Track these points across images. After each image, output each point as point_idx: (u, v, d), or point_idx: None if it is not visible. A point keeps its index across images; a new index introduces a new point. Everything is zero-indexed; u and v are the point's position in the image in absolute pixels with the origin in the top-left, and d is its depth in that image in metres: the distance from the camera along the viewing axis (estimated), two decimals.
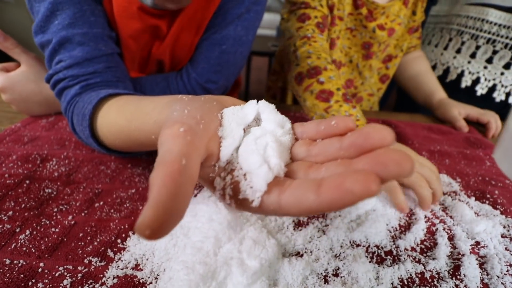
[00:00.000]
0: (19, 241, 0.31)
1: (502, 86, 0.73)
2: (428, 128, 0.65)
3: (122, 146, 0.34)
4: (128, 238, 0.32)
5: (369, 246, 0.34)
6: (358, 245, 0.34)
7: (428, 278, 0.31)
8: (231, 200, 0.18)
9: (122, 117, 0.30)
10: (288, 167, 0.18)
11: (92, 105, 0.35)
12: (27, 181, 0.40)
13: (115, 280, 0.28)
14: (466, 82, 0.77)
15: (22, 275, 0.28)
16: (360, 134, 0.16)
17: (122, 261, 0.30)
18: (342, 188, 0.13)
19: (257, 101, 0.21)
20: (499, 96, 0.74)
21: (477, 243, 0.35)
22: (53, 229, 0.33)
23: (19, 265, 0.29)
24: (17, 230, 0.33)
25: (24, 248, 0.31)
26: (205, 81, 0.50)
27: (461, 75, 0.77)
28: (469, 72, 0.76)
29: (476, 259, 0.33)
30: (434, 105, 0.72)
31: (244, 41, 0.50)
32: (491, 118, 0.64)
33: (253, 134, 0.19)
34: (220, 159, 0.18)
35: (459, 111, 0.67)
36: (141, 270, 0.29)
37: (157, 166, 0.14)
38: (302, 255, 0.32)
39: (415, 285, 0.30)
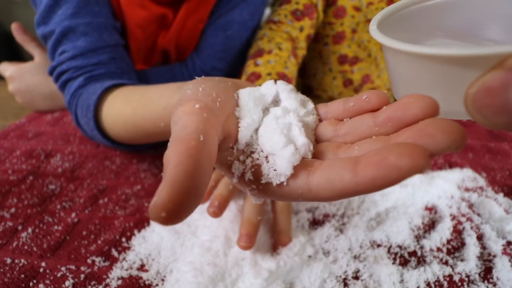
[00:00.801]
0: (21, 239, 0.30)
1: None
2: None
3: (127, 137, 0.32)
4: (133, 237, 0.31)
5: (391, 246, 0.31)
6: (379, 245, 0.31)
7: (457, 281, 0.28)
8: (251, 186, 0.16)
9: (128, 106, 0.28)
10: (314, 149, 0.16)
11: (96, 95, 0.33)
12: (31, 177, 0.38)
13: (119, 282, 0.26)
14: None
15: (23, 275, 0.27)
16: (398, 105, 0.14)
17: (126, 261, 0.28)
18: (385, 164, 0.11)
19: (275, 81, 0.19)
20: None
21: (509, 243, 0.33)
22: (56, 227, 0.32)
23: (20, 264, 0.27)
24: (19, 228, 0.31)
25: (26, 247, 0.29)
26: (210, 69, 0.48)
27: None
28: None
29: (510, 261, 0.30)
30: None
31: (249, 26, 0.47)
32: None
33: (274, 114, 0.17)
34: (238, 141, 0.16)
35: None
36: (147, 271, 0.27)
37: (172, 143, 0.12)
38: (319, 257, 0.30)
39: None
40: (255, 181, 0.16)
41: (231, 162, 0.16)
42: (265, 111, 0.18)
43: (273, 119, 0.16)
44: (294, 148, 0.15)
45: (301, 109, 0.18)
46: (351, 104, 0.17)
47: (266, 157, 0.16)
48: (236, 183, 0.16)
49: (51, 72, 0.40)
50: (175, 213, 0.11)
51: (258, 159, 0.16)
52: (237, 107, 0.17)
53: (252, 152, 0.16)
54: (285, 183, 0.15)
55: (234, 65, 0.50)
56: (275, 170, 0.15)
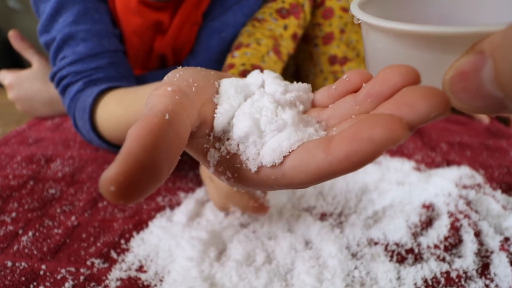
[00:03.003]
0: (22, 243, 0.30)
1: None
2: (446, 119, 0.62)
3: (123, 138, 0.33)
4: (132, 239, 0.31)
5: (388, 244, 0.32)
6: (376, 243, 0.32)
7: (454, 277, 0.28)
8: (226, 174, 0.15)
9: (121, 106, 0.29)
10: None
11: (92, 97, 0.34)
12: (31, 182, 0.39)
13: (118, 283, 0.26)
14: None
15: (23, 278, 0.27)
16: (376, 80, 0.13)
17: (125, 262, 0.28)
18: (358, 137, 0.10)
19: (261, 70, 0.18)
20: None
21: (507, 239, 0.33)
22: (56, 230, 0.32)
23: (21, 267, 0.28)
24: (20, 231, 0.32)
25: (26, 250, 0.30)
26: None
27: None
28: None
29: (507, 257, 0.30)
30: None
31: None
32: None
33: (251, 99, 0.16)
34: (214, 128, 0.15)
35: None
36: (145, 272, 0.27)
37: (136, 122, 0.12)
38: (316, 255, 0.30)
39: (441, 285, 0.27)
40: (229, 169, 0.15)
41: (207, 149, 0.16)
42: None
43: (249, 104, 0.16)
44: (260, 134, 0.14)
45: (284, 94, 0.17)
46: (333, 88, 0.16)
47: (238, 144, 0.15)
48: (213, 172, 0.16)
49: (52, 78, 0.41)
50: (126, 189, 0.10)
51: (231, 145, 0.15)
52: (216, 94, 0.16)
53: (229, 140, 0.16)
54: (256, 170, 0.14)
55: None
56: (246, 157, 0.15)
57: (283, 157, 0.14)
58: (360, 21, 0.13)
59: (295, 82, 0.18)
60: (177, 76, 0.15)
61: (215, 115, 0.16)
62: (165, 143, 0.11)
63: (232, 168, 0.15)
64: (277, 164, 0.14)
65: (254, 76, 0.18)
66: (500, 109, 0.09)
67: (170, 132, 0.12)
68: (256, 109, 0.15)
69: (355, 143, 0.11)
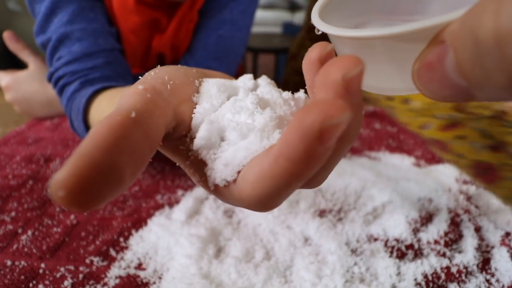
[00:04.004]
0: (21, 242, 0.30)
1: None
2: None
3: None
4: (131, 237, 0.31)
5: (387, 240, 0.31)
6: (375, 239, 0.31)
7: (455, 272, 0.28)
8: (195, 177, 0.14)
9: (112, 106, 0.29)
10: None
11: (85, 98, 0.34)
12: (30, 182, 0.39)
13: (117, 281, 0.26)
14: None
15: (23, 277, 0.27)
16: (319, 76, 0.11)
17: (124, 260, 0.28)
18: (291, 136, 0.09)
19: (254, 76, 0.17)
20: None
21: (507, 233, 0.32)
22: (55, 229, 0.32)
23: (20, 266, 0.28)
24: (19, 231, 0.32)
25: (26, 249, 0.30)
26: (205, 69, 0.49)
27: None
28: None
29: (508, 251, 0.30)
30: None
31: (241, 26, 0.48)
32: None
33: (235, 98, 0.14)
34: (192, 129, 0.14)
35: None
36: (144, 269, 0.27)
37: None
38: (315, 251, 0.30)
39: (441, 280, 0.27)
40: (198, 172, 0.14)
41: (182, 151, 0.14)
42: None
43: (231, 104, 0.14)
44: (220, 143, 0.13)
45: (274, 98, 0.15)
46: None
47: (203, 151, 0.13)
48: (190, 176, 0.14)
49: (49, 79, 0.41)
50: (78, 194, 0.08)
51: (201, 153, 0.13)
52: (197, 93, 0.15)
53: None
54: (224, 185, 0.12)
55: (229, 65, 0.50)
56: (213, 169, 0.13)
57: (238, 172, 0.12)
58: (320, 32, 0.13)
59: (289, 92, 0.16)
60: (152, 75, 0.14)
61: (193, 115, 0.14)
62: (128, 143, 0.10)
63: (200, 173, 0.14)
64: (229, 182, 0.12)
65: (245, 79, 0.17)
66: (467, 98, 0.09)
67: (136, 131, 0.10)
68: (236, 110, 0.13)
69: (294, 138, 0.10)
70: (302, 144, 0.09)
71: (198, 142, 0.13)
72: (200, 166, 0.14)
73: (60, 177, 0.08)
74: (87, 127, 0.36)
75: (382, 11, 0.14)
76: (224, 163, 0.12)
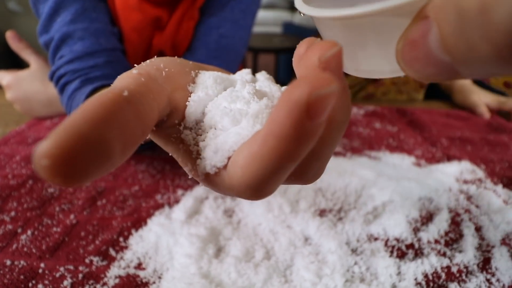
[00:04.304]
0: (21, 241, 0.30)
1: None
2: (447, 115, 0.62)
3: None
4: (131, 236, 0.31)
5: (388, 239, 0.31)
6: (376, 239, 0.31)
7: (455, 272, 0.28)
8: (187, 167, 0.13)
9: None
10: None
11: (84, 95, 0.34)
12: (30, 181, 0.39)
13: (117, 280, 0.26)
14: None
15: (22, 276, 0.27)
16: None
17: (124, 260, 0.28)
18: (278, 113, 0.09)
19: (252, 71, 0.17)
20: None
21: (508, 233, 0.32)
22: (54, 229, 0.32)
23: (20, 266, 0.28)
24: (19, 230, 0.32)
25: (25, 249, 0.29)
26: None
27: None
28: None
29: (508, 251, 0.30)
30: (454, 89, 0.68)
31: (242, 25, 0.48)
32: None
33: (231, 88, 0.14)
34: (186, 118, 0.14)
35: (480, 97, 0.62)
36: (144, 269, 0.27)
37: None
38: (315, 250, 0.30)
39: (442, 280, 0.27)
40: (190, 161, 0.13)
41: (175, 140, 0.14)
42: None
43: (228, 94, 0.14)
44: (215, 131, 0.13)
45: (273, 92, 0.14)
46: None
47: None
48: (182, 166, 0.14)
49: (51, 77, 0.41)
50: (62, 164, 0.08)
51: (203, 140, 0.13)
52: (192, 83, 0.15)
53: (199, 132, 0.14)
54: (215, 173, 0.12)
55: (230, 64, 0.50)
56: (203, 157, 0.12)
57: (228, 158, 0.12)
58: (303, 14, 0.12)
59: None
60: (147, 63, 0.14)
61: (187, 103, 0.14)
62: (118, 119, 0.10)
63: (192, 162, 0.13)
64: (220, 169, 0.12)
65: (242, 73, 0.16)
66: (451, 75, 0.09)
67: (127, 110, 0.10)
68: (233, 99, 0.13)
69: (281, 119, 0.09)
70: (290, 119, 0.09)
71: (188, 121, 0.13)
72: (191, 155, 0.13)
73: (45, 145, 0.08)
74: None
75: None
76: (214, 150, 0.12)
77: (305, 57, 0.10)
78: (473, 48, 0.08)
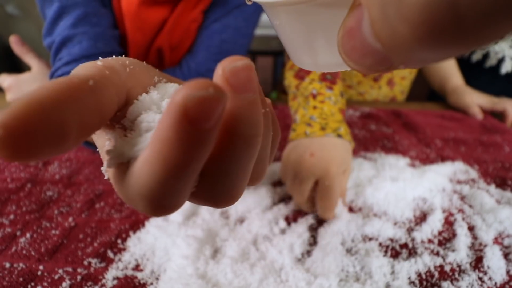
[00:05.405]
0: (20, 244, 0.31)
1: None
2: (441, 116, 0.62)
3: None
4: (129, 238, 0.31)
5: (382, 239, 0.32)
6: (370, 239, 0.32)
7: (448, 271, 0.28)
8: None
9: None
10: None
11: None
12: (29, 185, 0.39)
13: (115, 282, 0.27)
14: (506, 68, 0.71)
15: (21, 279, 0.27)
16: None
17: (122, 261, 0.29)
18: (163, 117, 0.09)
19: None
20: None
21: (500, 232, 0.33)
22: (53, 232, 0.32)
23: (19, 268, 0.28)
24: (18, 233, 0.32)
25: (24, 252, 0.30)
26: (206, 70, 0.50)
27: (501, 60, 0.72)
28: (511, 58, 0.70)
29: (500, 250, 0.31)
30: (448, 91, 0.69)
31: (244, 33, 0.49)
32: (507, 105, 0.60)
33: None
34: (127, 115, 0.13)
35: (472, 98, 0.63)
36: (142, 270, 0.28)
37: None
38: (310, 251, 0.30)
39: (435, 279, 0.28)
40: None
41: (108, 133, 0.13)
42: None
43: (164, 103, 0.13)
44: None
45: None
46: None
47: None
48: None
49: (50, 78, 0.43)
50: (16, 136, 0.08)
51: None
52: (153, 87, 0.14)
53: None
54: (118, 176, 0.12)
55: None
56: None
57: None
58: (251, 2, 0.12)
59: None
60: (114, 58, 0.14)
61: (134, 100, 0.13)
62: (79, 105, 0.10)
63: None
64: (121, 173, 0.12)
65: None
66: (386, 65, 0.08)
67: (90, 98, 0.10)
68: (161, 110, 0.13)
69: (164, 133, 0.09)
70: (170, 123, 0.09)
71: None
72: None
73: (2, 115, 0.08)
74: None
75: None
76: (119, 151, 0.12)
77: (217, 70, 0.10)
78: (396, 32, 0.07)
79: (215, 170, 0.11)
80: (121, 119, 0.13)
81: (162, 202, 0.11)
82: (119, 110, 0.13)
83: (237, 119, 0.10)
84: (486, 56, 0.72)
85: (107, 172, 0.13)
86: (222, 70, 0.10)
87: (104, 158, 0.12)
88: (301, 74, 0.46)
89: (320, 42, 0.11)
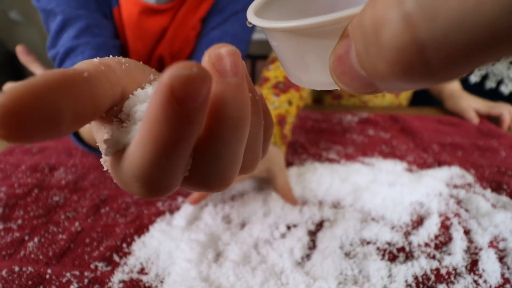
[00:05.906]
0: (28, 248, 0.32)
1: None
2: (438, 121, 0.63)
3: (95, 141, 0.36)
4: (134, 243, 0.32)
5: (380, 243, 0.33)
6: (368, 243, 0.33)
7: (444, 274, 0.29)
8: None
9: None
10: None
11: None
12: (36, 190, 0.40)
13: (121, 285, 0.28)
14: (509, 89, 0.71)
15: (30, 282, 0.28)
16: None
17: (127, 265, 0.30)
18: (152, 97, 0.10)
19: None
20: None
21: (495, 236, 0.34)
22: (60, 236, 0.33)
23: (28, 272, 0.29)
24: (26, 238, 0.33)
25: (32, 256, 0.31)
26: None
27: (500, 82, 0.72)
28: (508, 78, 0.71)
29: (495, 253, 0.31)
30: (444, 96, 0.70)
31: (241, 39, 0.51)
32: (504, 109, 0.62)
33: None
34: (122, 110, 0.14)
35: (469, 103, 0.64)
36: (147, 274, 0.29)
37: None
38: (310, 255, 0.31)
39: (431, 282, 0.29)
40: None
41: (106, 126, 0.14)
42: None
43: None
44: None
45: None
46: None
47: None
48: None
49: None
50: (11, 116, 0.08)
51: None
52: (149, 84, 0.15)
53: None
54: (114, 162, 0.12)
55: None
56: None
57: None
58: (251, 25, 0.13)
59: None
60: (110, 57, 0.14)
61: (130, 95, 0.14)
62: (74, 93, 0.10)
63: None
64: (117, 157, 0.12)
65: None
66: (371, 89, 0.10)
67: (84, 88, 0.11)
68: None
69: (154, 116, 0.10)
70: (158, 101, 0.09)
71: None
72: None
73: (0, 96, 0.08)
74: (76, 133, 0.38)
75: (324, 8, 0.15)
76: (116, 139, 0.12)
77: (203, 56, 0.11)
78: (375, 66, 0.08)
79: (205, 153, 0.12)
80: (118, 114, 0.14)
81: (155, 183, 0.11)
82: (115, 105, 0.14)
83: (224, 101, 0.11)
84: (485, 77, 0.73)
85: (106, 162, 0.13)
86: (208, 56, 0.11)
87: (102, 148, 0.13)
88: (260, 82, 0.50)
89: (314, 64, 0.12)
